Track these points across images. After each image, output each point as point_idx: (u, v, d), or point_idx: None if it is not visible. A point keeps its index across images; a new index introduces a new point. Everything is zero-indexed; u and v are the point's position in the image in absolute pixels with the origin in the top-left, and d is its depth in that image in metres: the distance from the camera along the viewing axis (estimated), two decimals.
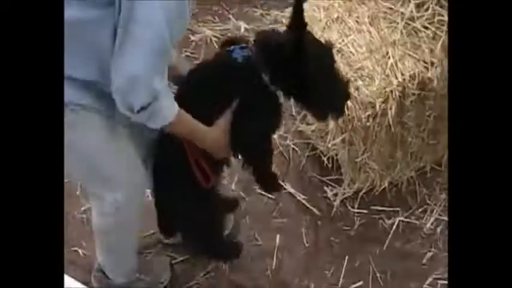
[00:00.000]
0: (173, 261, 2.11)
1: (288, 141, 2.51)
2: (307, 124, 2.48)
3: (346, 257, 2.15)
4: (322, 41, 1.67)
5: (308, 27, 1.54)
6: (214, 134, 1.50)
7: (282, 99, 1.62)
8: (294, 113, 2.57)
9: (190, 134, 1.42)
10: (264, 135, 1.67)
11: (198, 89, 1.57)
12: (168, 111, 1.25)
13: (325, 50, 1.61)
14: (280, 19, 2.65)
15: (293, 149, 2.48)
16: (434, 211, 2.25)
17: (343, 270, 2.13)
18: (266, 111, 1.60)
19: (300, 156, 2.47)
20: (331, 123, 2.27)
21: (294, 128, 2.53)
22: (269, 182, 1.80)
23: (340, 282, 2.10)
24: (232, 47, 1.55)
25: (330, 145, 2.29)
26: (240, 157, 1.70)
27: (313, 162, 2.44)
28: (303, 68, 1.48)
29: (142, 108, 1.15)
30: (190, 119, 1.39)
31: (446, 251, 2.15)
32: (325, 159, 2.36)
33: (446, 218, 2.23)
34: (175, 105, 1.29)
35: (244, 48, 1.54)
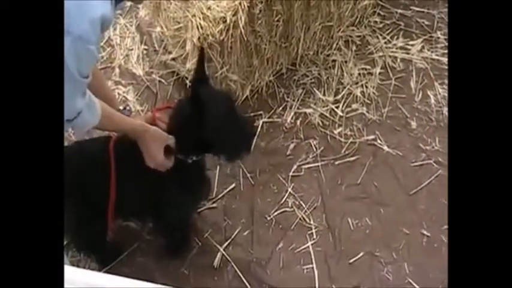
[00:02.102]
0: None
1: (153, 76, 2.52)
2: (169, 53, 2.50)
3: (218, 167, 2.19)
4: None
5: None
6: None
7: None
8: (157, 48, 2.59)
9: (116, 129, 1.58)
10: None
11: None
12: (91, 119, 1.40)
13: (225, 97, 1.64)
14: None
15: (159, 81, 2.50)
16: (293, 106, 2.35)
17: (217, 176, 2.16)
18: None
19: (166, 86, 2.49)
20: (188, 45, 2.31)
21: (157, 62, 2.55)
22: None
23: (215, 190, 2.13)
24: None
25: (189, 66, 2.32)
26: None
27: (179, 88, 2.46)
28: (206, 123, 1.51)
29: (68, 121, 1.32)
30: (117, 117, 1.52)
31: (307, 139, 2.26)
32: (187, 81, 2.38)
33: (304, 110, 2.33)
34: (98, 113, 1.41)
35: None
